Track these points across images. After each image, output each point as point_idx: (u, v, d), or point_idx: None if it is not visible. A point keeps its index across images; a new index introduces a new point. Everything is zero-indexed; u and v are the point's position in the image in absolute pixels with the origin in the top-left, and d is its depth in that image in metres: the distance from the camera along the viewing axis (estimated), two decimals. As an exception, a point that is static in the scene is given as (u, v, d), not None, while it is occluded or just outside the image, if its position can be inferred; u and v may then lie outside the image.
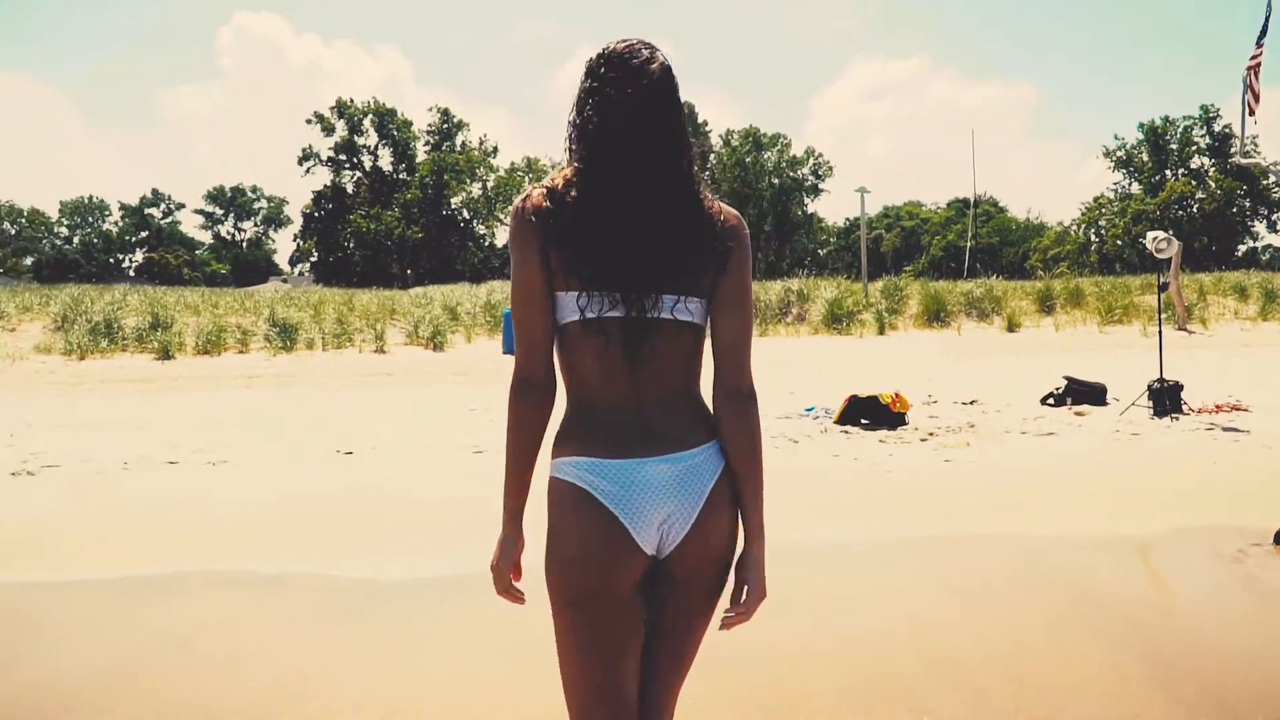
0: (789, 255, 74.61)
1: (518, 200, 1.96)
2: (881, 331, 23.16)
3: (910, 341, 21.72)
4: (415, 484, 6.95)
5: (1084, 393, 10.43)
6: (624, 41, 1.97)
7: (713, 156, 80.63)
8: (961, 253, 58.55)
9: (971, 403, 10.84)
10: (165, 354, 19.66)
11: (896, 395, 9.33)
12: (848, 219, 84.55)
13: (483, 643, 4.10)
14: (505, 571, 2.00)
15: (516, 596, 2.03)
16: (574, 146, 1.96)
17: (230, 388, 15.41)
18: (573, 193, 1.91)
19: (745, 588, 1.99)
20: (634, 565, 1.87)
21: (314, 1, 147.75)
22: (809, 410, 10.18)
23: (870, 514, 6.02)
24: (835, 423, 9.28)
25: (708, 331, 1.98)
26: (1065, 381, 10.67)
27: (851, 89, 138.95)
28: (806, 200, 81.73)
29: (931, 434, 8.63)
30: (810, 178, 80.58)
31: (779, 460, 7.63)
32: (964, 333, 22.76)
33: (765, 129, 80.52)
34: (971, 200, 53.05)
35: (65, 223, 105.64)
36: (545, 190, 1.94)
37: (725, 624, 2.00)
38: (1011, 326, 22.97)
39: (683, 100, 2.01)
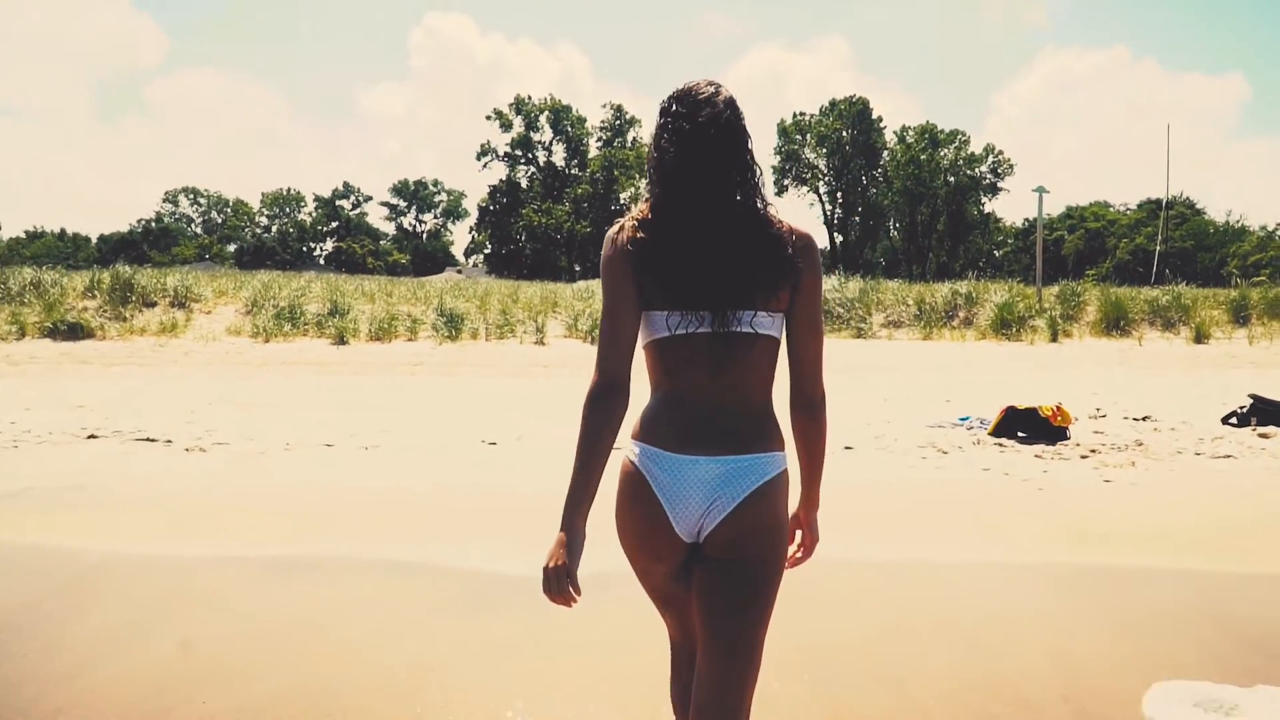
0: (963, 256, 72.10)
1: (612, 230, 2.21)
2: (1054, 339, 22.03)
3: (1085, 350, 20.57)
4: (551, 477, 7.02)
5: (1272, 412, 9.59)
6: (692, 82, 2.22)
7: (885, 154, 78.77)
8: (1150, 257, 55.12)
9: (1144, 419, 10.15)
10: (341, 339, 20.69)
11: (1058, 408, 8.82)
12: (1026, 220, 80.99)
13: (602, 638, 4.10)
14: (563, 575, 2.15)
15: (568, 600, 2.17)
16: (654, 178, 2.22)
17: (395, 374, 16.05)
18: (656, 222, 2.16)
19: (798, 533, 2.39)
20: (670, 546, 2.17)
21: (500, 1, 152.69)
22: (963, 420, 9.76)
23: (1014, 535, 5.68)
24: (990, 434, 8.86)
25: (783, 342, 2.22)
26: (1251, 399, 9.85)
27: (1039, 83, 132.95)
28: (984, 199, 78.75)
29: (1094, 451, 8.12)
30: (989, 176, 77.56)
31: (924, 471, 7.34)
32: (1145, 342, 21.39)
33: (943, 125, 77.92)
34: (1164, 201, 49.78)
35: (265, 212, 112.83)
36: (635, 221, 2.19)
37: (791, 562, 2.35)
38: (1199, 338, 21.43)
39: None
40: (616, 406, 2.16)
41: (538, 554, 5.20)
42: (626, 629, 4.22)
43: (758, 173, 2.22)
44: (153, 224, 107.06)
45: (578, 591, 2.16)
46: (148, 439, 8.45)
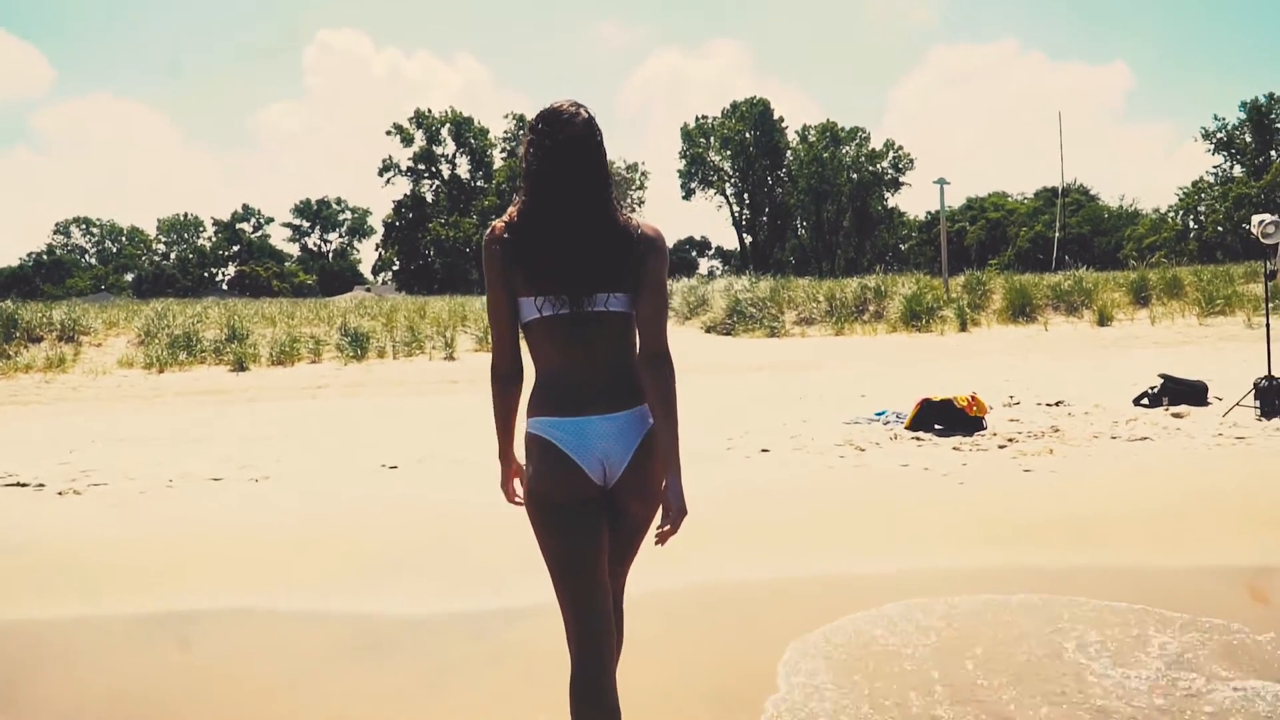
0: (869, 251, 73.24)
1: (488, 232, 2.57)
2: (963, 328, 22.30)
3: (993, 338, 20.85)
4: (456, 503, 6.64)
5: (1182, 392, 9.67)
6: (557, 102, 2.57)
7: (789, 153, 79.62)
8: (1050, 244, 56.65)
9: (1057, 404, 10.16)
10: (240, 365, 19.85)
11: (973, 398, 8.73)
12: (929, 213, 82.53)
13: (504, 675, 3.75)
14: (510, 486, 2.80)
15: (518, 502, 2.70)
16: (521, 184, 2.57)
17: (296, 398, 15.40)
18: (522, 223, 2.53)
19: (670, 510, 2.56)
20: (586, 488, 2.50)
21: (394, 15, 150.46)
22: (879, 415, 9.63)
23: (939, 536, 5.45)
24: (907, 428, 8.73)
25: (633, 318, 2.58)
26: (1161, 380, 9.92)
27: (932, 79, 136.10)
28: (887, 194, 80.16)
29: (1011, 440, 8.02)
30: (890, 171, 79.00)
31: (842, 472, 7.14)
32: (1051, 328, 21.78)
33: (843, 123, 79.09)
34: (1059, 188, 51.19)
35: (163, 239, 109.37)
36: (505, 223, 2.56)
37: (659, 539, 2.57)
38: (1103, 320, 21.90)
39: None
40: (514, 383, 2.63)
41: (435, 590, 4.74)
42: (530, 665, 3.87)
43: (611, 181, 2.59)
44: (44, 256, 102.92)
45: (519, 497, 2.70)
46: (17, 484, 7.79)
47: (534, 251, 2.49)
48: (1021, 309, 23.15)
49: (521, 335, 2.59)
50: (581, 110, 2.57)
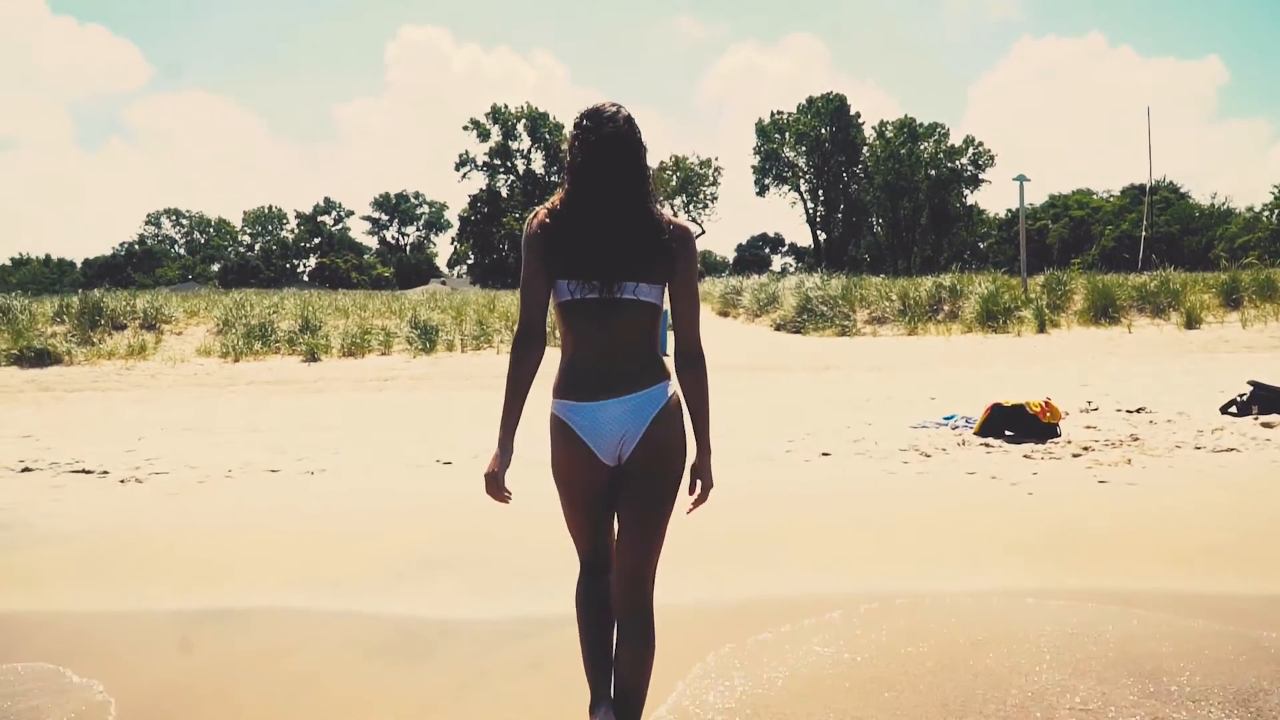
0: (947, 249, 71.80)
1: (530, 216, 2.79)
2: (1041, 329, 21.62)
3: (1073, 340, 20.18)
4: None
5: (1274, 400, 9.15)
6: (600, 103, 2.78)
7: (865, 150, 78.40)
8: (1136, 243, 54.80)
9: (1138, 411, 9.71)
10: (312, 356, 20.15)
11: (1047, 403, 8.37)
12: (1009, 210, 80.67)
13: (534, 686, 3.62)
14: (498, 478, 2.83)
15: (504, 498, 2.87)
16: (565, 176, 2.77)
17: (362, 390, 15.55)
18: (563, 210, 2.72)
19: (698, 483, 2.86)
20: (599, 472, 2.74)
21: (475, 12, 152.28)
22: (948, 419, 9.30)
23: (1005, 551, 5.14)
24: (976, 434, 8.41)
25: (663, 308, 2.76)
26: (1251, 386, 9.41)
27: (1016, 73, 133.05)
28: (966, 191, 78.46)
29: (1086, 448, 7.66)
30: (970, 168, 77.29)
31: (904, 479, 6.87)
32: (1134, 330, 21.00)
33: (922, 119, 77.59)
34: (1148, 185, 49.49)
35: (247, 231, 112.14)
36: (547, 210, 2.76)
37: (689, 510, 2.84)
38: (1190, 322, 21.04)
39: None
40: (534, 348, 2.78)
41: (473, 591, 4.60)
42: (565, 673, 3.73)
43: (648, 177, 2.78)
44: (136, 246, 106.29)
45: (507, 493, 2.85)
46: (83, 470, 7.93)
47: (571, 238, 2.70)
48: (1104, 310, 22.38)
49: (554, 316, 2.83)
50: (621, 110, 2.79)
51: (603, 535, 2.94)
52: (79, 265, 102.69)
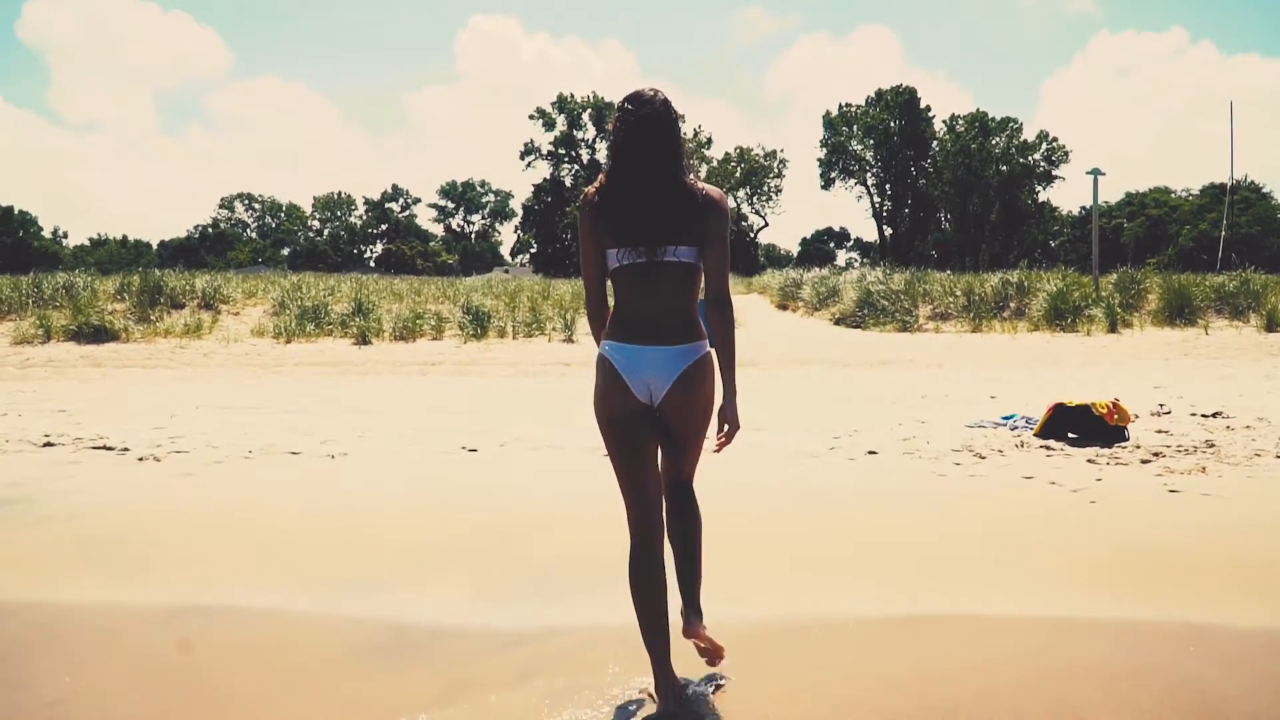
0: (1017, 247, 69.98)
1: (581, 196, 3.19)
2: (1112, 329, 20.73)
3: (1146, 341, 19.28)
4: (522, 495, 6.19)
5: (1364, 408, 8.45)
6: (640, 88, 3.16)
7: (934, 144, 76.73)
8: (1215, 244, 52.78)
9: (1214, 415, 9.04)
10: (363, 339, 20.07)
11: (1114, 404, 7.78)
12: (1083, 208, 78.52)
13: (539, 702, 3.24)
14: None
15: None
16: (610, 155, 3.14)
17: (405, 374, 15.36)
18: (607, 185, 3.11)
19: (725, 425, 3.17)
20: (632, 404, 3.09)
21: (545, 1, 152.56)
22: (1007, 419, 8.74)
23: (1061, 568, 4.58)
24: (1036, 435, 7.85)
25: (700, 269, 3.12)
26: (1339, 393, 8.70)
27: (1092, 68, 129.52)
28: (1038, 188, 76.42)
29: (1157, 454, 7.07)
30: (1042, 164, 75.25)
31: (955, 482, 6.36)
32: (1212, 331, 20.02)
33: (995, 114, 75.71)
34: (1229, 183, 47.58)
35: (317, 216, 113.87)
36: (595, 189, 3.14)
37: (716, 448, 3.22)
38: (1271, 325, 20.01)
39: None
40: (598, 318, 3.27)
41: (474, 591, 4.15)
42: (557, 685, 3.37)
43: (683, 152, 3.11)
44: (209, 229, 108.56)
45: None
46: (104, 446, 7.75)
47: (616, 210, 3.07)
48: (1179, 310, 21.40)
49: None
50: (659, 94, 3.14)
51: (645, 483, 3.16)
52: (154, 247, 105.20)
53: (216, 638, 3.98)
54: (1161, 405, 9.76)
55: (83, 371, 15.77)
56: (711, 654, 3.34)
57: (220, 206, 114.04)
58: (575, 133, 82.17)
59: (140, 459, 7.31)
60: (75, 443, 7.99)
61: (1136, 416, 8.67)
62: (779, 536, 5.18)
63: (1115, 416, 7.65)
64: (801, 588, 4.39)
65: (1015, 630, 3.86)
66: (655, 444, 3.19)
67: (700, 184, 3.11)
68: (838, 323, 25.29)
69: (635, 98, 3.11)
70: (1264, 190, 70.64)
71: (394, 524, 5.51)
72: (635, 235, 3.04)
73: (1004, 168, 74.23)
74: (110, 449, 7.69)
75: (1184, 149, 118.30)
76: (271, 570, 4.75)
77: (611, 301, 3.21)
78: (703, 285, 3.15)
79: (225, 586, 4.53)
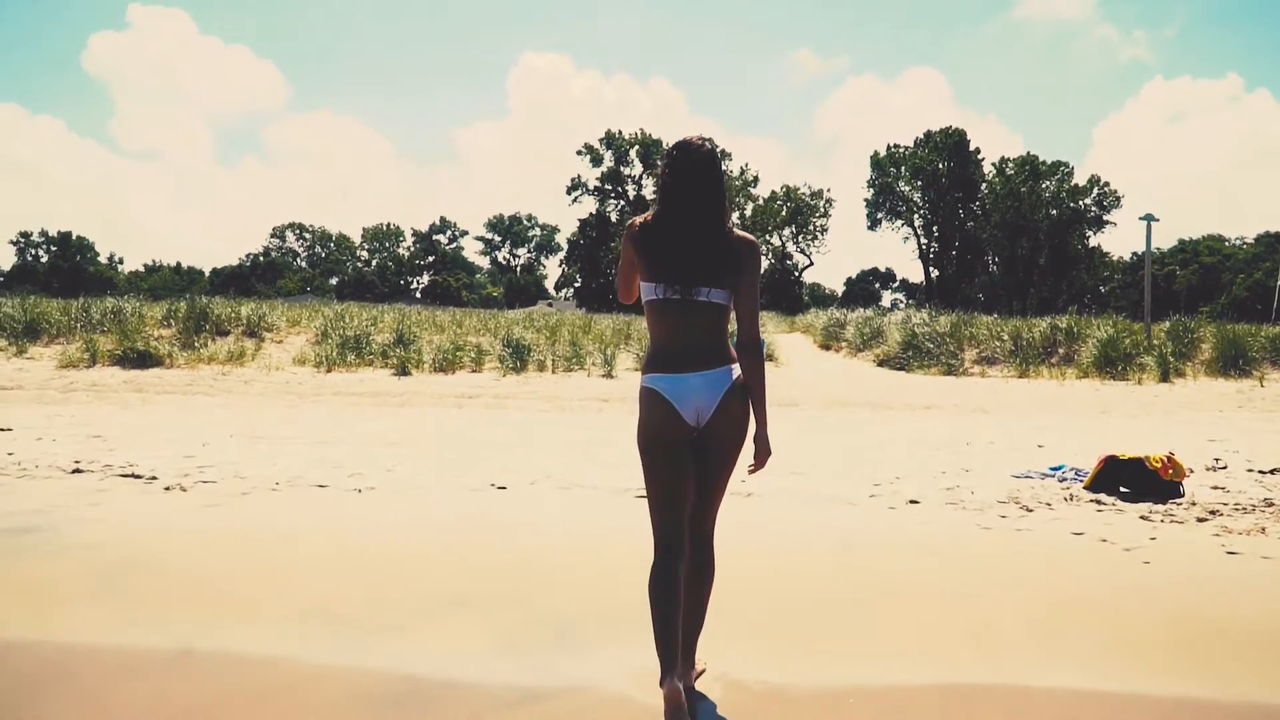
0: (1066, 292, 69.03)
1: (629, 223, 3.39)
2: (1164, 378, 20.19)
3: (1200, 391, 18.74)
4: (548, 535, 6.01)
5: None
6: (689, 136, 3.37)
7: (984, 186, 76.12)
8: (1270, 294, 51.59)
9: (1273, 472, 8.66)
10: (403, 370, 20.08)
11: (1169, 458, 7.45)
12: (1134, 254, 77.48)
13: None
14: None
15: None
16: (658, 196, 3.36)
17: (443, 406, 15.28)
18: (654, 224, 3.34)
19: (757, 450, 3.45)
20: (682, 430, 3.29)
21: (595, 38, 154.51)
22: (1055, 469, 8.43)
23: (1113, 637, 4.28)
24: (1086, 488, 7.54)
25: (730, 308, 3.38)
26: None
27: (1145, 114, 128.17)
28: (1089, 233, 75.47)
29: (1214, 512, 6.74)
30: (1094, 208, 74.35)
31: (1000, 535, 6.08)
32: (1268, 383, 19.42)
33: (1045, 157, 75.00)
34: (1286, 233, 46.54)
35: (366, 247, 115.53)
36: (642, 221, 3.38)
37: (751, 470, 3.46)
38: (1331, 378, 19.36)
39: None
40: (629, 292, 3.53)
41: (490, 639, 3.97)
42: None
43: (726, 200, 3.33)
44: (260, 258, 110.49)
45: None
46: (132, 474, 7.70)
47: (659, 248, 3.29)
48: (1234, 361, 20.80)
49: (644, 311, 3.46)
50: (707, 143, 3.36)
51: (679, 507, 3.32)
52: (206, 274, 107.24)
53: (225, 683, 3.82)
54: (1217, 460, 9.37)
55: (124, 396, 15.88)
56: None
57: (272, 235, 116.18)
58: (622, 169, 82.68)
59: (167, 488, 7.24)
60: (104, 470, 7.95)
61: (1192, 471, 8.32)
62: (811, 589, 4.94)
63: (1170, 471, 7.32)
64: (834, 648, 4.16)
65: (1065, 706, 3.59)
66: (692, 469, 3.34)
67: (736, 231, 3.35)
68: (881, 364, 24.94)
69: (684, 145, 3.33)
70: (1322, 239, 69.18)
71: (416, 564, 5.34)
72: (673, 275, 3.27)
73: (1054, 211, 73.52)
74: (138, 477, 7.63)
75: (1239, 197, 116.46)
76: (288, 611, 4.60)
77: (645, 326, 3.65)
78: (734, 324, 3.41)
79: (239, 627, 4.38)
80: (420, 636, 4.29)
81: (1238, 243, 74.81)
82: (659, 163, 3.44)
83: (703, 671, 3.73)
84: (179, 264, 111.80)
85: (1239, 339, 21.42)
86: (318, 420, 12.77)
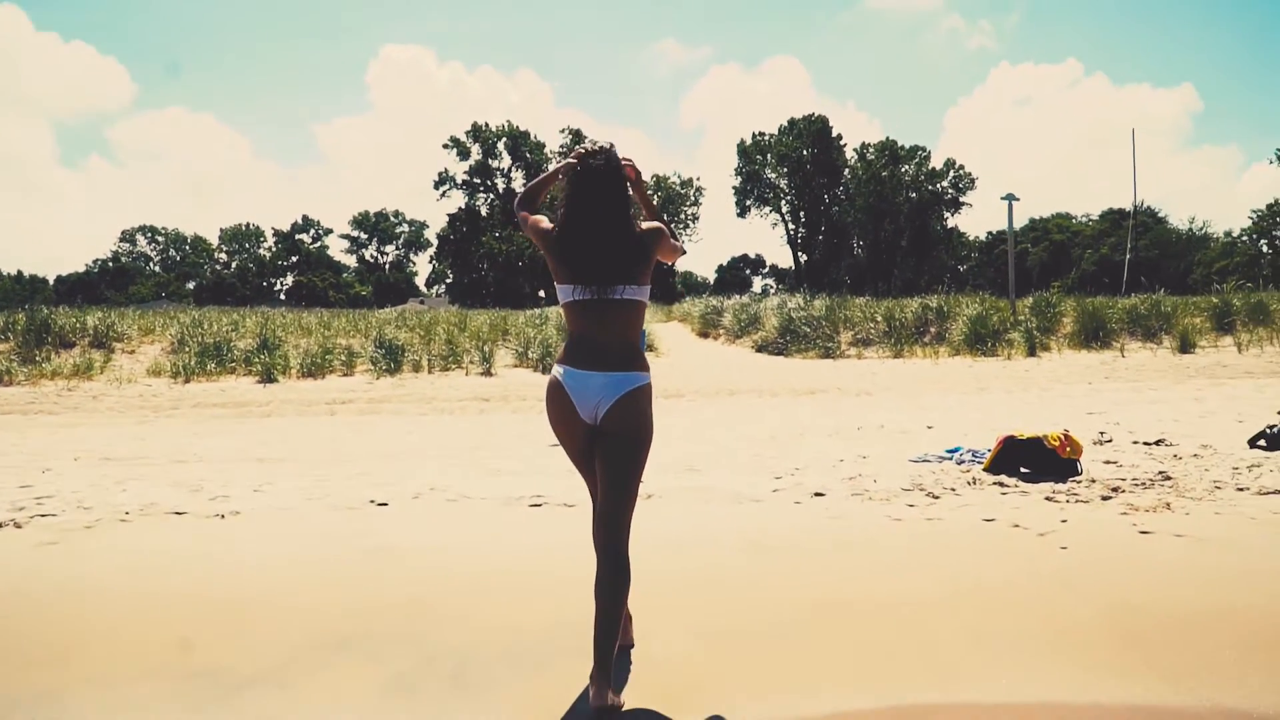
0: (927, 272, 71.21)
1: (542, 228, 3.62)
2: (1032, 353, 20.81)
3: (1065, 364, 19.33)
4: (439, 559, 5.51)
5: (1308, 432, 8.24)
6: (591, 140, 3.57)
7: (846, 172, 77.87)
8: (1116, 267, 54.34)
9: (1157, 443, 8.78)
10: (268, 377, 19.04)
11: (1066, 436, 7.40)
12: (990, 233, 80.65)
13: None
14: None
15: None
16: (564, 208, 3.50)
17: (313, 414, 14.45)
18: (563, 230, 3.49)
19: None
20: (578, 425, 3.46)
21: (458, 31, 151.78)
22: (951, 452, 8.34)
23: (1043, 636, 4.04)
24: (986, 470, 7.44)
25: (644, 304, 3.55)
26: (1280, 418, 8.51)
27: (993, 99, 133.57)
28: (946, 214, 78.10)
29: (1115, 489, 6.70)
30: (950, 190, 76.97)
31: (912, 526, 5.86)
32: (1128, 354, 20.20)
33: (903, 142, 77.22)
34: (1131, 208, 49.02)
35: (224, 249, 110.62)
36: (553, 226, 3.55)
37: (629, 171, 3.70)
38: (1185, 346, 20.28)
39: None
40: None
41: (374, 691, 3.84)
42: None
43: (629, 202, 3.53)
44: (110, 264, 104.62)
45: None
46: (-42, 512, 6.82)
47: (571, 253, 3.44)
48: (1094, 333, 21.60)
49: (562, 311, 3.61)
50: (609, 147, 3.50)
51: (594, 493, 3.57)
52: (51, 282, 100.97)
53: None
54: (1102, 433, 9.48)
55: (-47, 419, 14.49)
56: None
57: (121, 239, 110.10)
58: (490, 162, 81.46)
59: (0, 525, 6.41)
60: (-76, 507, 7.03)
61: (1085, 448, 8.34)
62: (729, 600, 4.59)
63: (1068, 449, 7.28)
64: (767, 667, 3.80)
65: None
66: (593, 455, 3.49)
67: (642, 225, 3.52)
68: (760, 350, 25.02)
69: (585, 150, 3.48)
70: (1160, 215, 73.24)
71: (286, 600, 4.76)
72: (589, 277, 3.41)
73: (914, 195, 75.78)
74: (-38, 514, 6.75)
75: (1082, 176, 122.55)
76: (135, 666, 3.97)
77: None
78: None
79: (75, 692, 3.74)
80: (297, 687, 3.75)
81: (1084, 220, 78.55)
82: (564, 168, 3.52)
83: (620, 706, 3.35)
84: (19, 272, 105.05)
85: (1098, 312, 22.24)
86: (175, 436, 11.84)
